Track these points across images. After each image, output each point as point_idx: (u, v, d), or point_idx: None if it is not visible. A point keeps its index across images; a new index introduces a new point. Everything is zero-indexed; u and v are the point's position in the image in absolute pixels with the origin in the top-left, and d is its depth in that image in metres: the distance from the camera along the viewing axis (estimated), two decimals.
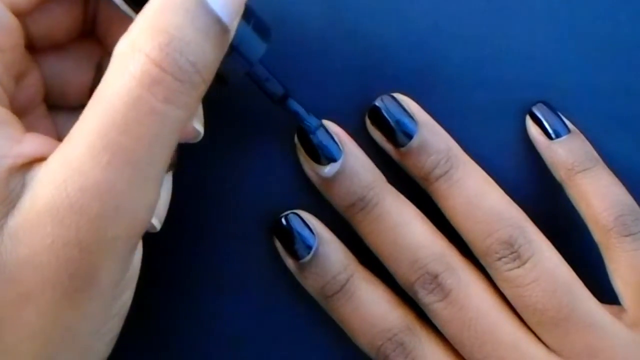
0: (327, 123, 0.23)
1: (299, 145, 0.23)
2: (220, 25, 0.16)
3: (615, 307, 0.22)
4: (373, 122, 0.23)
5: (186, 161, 0.22)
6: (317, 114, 0.23)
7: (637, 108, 0.24)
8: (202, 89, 0.16)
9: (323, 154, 0.22)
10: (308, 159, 0.23)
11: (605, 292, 0.22)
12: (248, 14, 0.19)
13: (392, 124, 0.22)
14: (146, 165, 0.15)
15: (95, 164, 0.15)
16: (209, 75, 0.17)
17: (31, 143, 0.16)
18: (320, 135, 0.22)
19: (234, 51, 0.19)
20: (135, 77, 0.15)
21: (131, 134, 0.15)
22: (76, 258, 0.15)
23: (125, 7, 0.18)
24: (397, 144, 0.22)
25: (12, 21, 0.18)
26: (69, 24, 0.20)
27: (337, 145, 0.22)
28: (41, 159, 0.16)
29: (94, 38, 0.21)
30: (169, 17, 0.16)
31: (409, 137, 0.22)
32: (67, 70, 0.20)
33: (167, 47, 0.15)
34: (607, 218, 0.21)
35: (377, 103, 0.23)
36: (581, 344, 0.20)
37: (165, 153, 0.16)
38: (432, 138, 0.22)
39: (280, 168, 0.24)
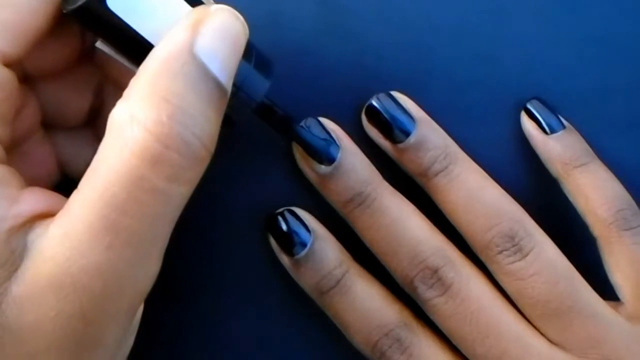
0: (323, 120, 0.23)
1: (296, 145, 0.23)
2: (221, 89, 0.15)
3: (611, 303, 0.22)
4: (370, 120, 0.23)
5: None
6: (311, 113, 0.23)
7: (630, 108, 0.24)
8: (207, 162, 0.16)
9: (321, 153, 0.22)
10: (305, 156, 0.22)
11: (597, 289, 0.22)
12: (249, 51, 0.18)
13: (390, 120, 0.22)
14: (148, 244, 0.15)
15: (96, 244, 0.14)
16: (213, 145, 0.16)
17: (29, 201, 0.16)
18: (317, 132, 0.22)
19: (239, 91, 0.18)
20: (136, 154, 0.14)
21: (132, 214, 0.14)
22: (80, 329, 0.15)
23: (121, 59, 0.18)
24: (394, 141, 0.22)
25: (4, 74, 0.16)
26: (66, 56, 0.19)
27: (335, 141, 0.22)
28: (42, 216, 0.15)
29: (92, 62, 0.20)
30: (168, 82, 0.15)
31: (407, 133, 0.22)
32: (66, 95, 0.20)
33: (170, 120, 0.14)
34: (607, 212, 0.22)
35: (374, 101, 0.23)
36: (584, 335, 0.20)
37: (167, 230, 0.16)
38: (430, 134, 0.22)
39: (273, 166, 0.24)
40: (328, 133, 0.23)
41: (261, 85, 0.18)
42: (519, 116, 0.24)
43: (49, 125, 0.20)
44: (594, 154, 0.23)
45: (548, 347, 0.21)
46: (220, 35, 0.15)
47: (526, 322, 0.21)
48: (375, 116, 0.23)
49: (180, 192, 0.15)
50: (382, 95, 0.23)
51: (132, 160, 0.14)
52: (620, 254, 0.22)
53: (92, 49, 0.19)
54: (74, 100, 0.20)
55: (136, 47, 0.16)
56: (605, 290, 0.22)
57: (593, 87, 0.24)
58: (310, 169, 0.23)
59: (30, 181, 0.19)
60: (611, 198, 0.22)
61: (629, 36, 0.24)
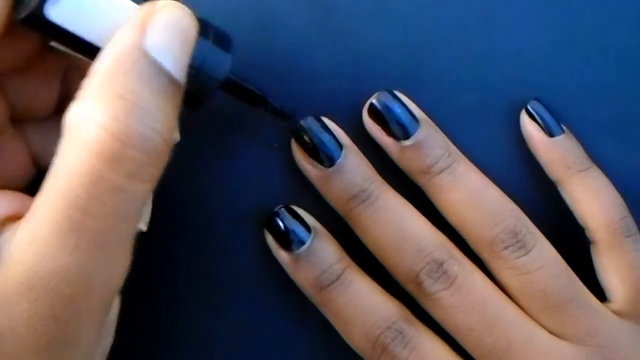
0: (323, 119, 0.23)
1: (295, 143, 0.23)
2: (174, 82, 0.16)
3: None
4: (373, 117, 0.23)
5: (176, 157, 0.21)
6: (306, 114, 0.23)
7: (620, 110, 0.25)
8: (167, 156, 0.16)
9: (322, 151, 0.22)
10: (306, 155, 0.22)
11: None
12: (205, 28, 0.18)
13: (394, 117, 0.23)
14: (114, 242, 0.15)
15: (63, 247, 0.14)
16: (172, 138, 0.16)
17: None
18: (318, 131, 0.22)
19: (199, 73, 0.18)
20: (94, 154, 0.14)
21: (95, 214, 0.14)
22: (53, 329, 0.15)
23: (77, 56, 0.18)
24: (398, 137, 0.23)
25: None
26: (28, 52, 0.18)
27: (337, 140, 0.22)
28: (11, 219, 0.16)
29: (55, 52, 0.19)
30: (122, 80, 0.15)
31: (410, 131, 0.22)
32: (33, 88, 0.19)
33: (127, 117, 0.14)
34: (612, 218, 0.22)
35: (375, 98, 0.23)
36: (583, 325, 0.21)
37: (132, 226, 0.16)
38: (434, 133, 0.23)
39: (268, 166, 0.24)
40: (330, 131, 0.23)
41: (224, 62, 0.18)
42: (512, 117, 0.24)
43: (19, 119, 0.20)
44: (590, 160, 0.24)
45: (548, 336, 0.21)
46: (170, 30, 0.16)
47: (526, 314, 0.22)
48: (378, 113, 0.23)
49: (143, 188, 0.15)
50: (383, 93, 0.23)
51: (91, 160, 0.14)
52: (620, 258, 0.22)
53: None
54: (41, 92, 0.20)
55: (88, 50, 0.16)
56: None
57: (584, 89, 0.25)
58: (311, 166, 0.23)
59: (5, 179, 0.19)
60: (614, 205, 0.23)
61: (621, 39, 0.25)
